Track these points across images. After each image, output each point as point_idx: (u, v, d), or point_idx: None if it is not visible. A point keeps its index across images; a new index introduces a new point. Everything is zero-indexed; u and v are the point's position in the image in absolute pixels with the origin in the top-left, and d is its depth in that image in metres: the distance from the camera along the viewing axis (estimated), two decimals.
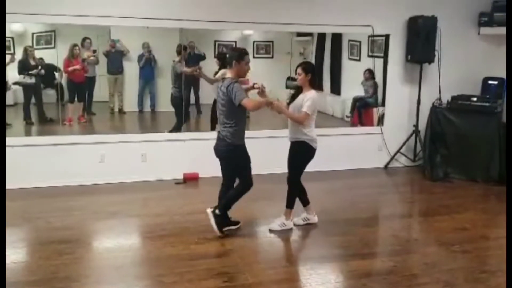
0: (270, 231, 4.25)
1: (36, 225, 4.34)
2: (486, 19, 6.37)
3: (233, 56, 4.02)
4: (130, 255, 3.78)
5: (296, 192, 4.27)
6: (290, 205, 4.27)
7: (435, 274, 3.49)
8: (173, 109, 6.45)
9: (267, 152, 5.48)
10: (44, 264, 3.55)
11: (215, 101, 6.57)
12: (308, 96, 4.05)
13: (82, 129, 6.54)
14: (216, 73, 6.65)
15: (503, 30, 6.06)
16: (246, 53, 4.09)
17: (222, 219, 4.10)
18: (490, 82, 6.31)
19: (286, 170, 4.27)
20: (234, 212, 4.31)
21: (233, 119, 3.96)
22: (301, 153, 4.17)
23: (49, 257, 3.66)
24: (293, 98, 4.24)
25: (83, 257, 3.70)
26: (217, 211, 4.07)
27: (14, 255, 3.66)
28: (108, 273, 3.50)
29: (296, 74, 4.16)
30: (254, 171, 5.91)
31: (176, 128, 6.27)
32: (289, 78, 6.84)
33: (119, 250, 3.85)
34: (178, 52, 6.38)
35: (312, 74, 4.11)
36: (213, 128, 6.31)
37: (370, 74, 6.72)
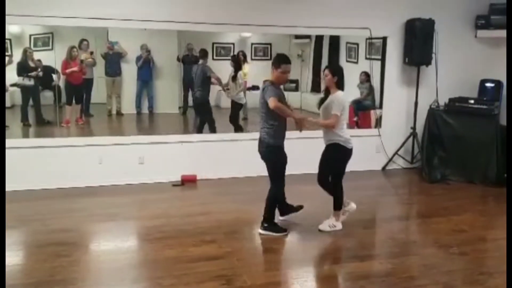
0: (320, 230, 4.27)
1: (33, 228, 4.32)
2: (483, 21, 6.38)
3: (272, 62, 4.10)
4: (128, 257, 3.77)
5: (340, 193, 4.31)
6: (337, 206, 4.32)
7: (433, 276, 3.49)
8: (169, 112, 6.48)
9: (259, 155, 5.49)
10: (41, 266, 3.53)
11: (233, 104, 6.66)
12: (334, 98, 4.12)
13: (79, 131, 6.53)
14: (234, 76, 6.70)
15: (500, 33, 6.08)
16: (285, 62, 4.05)
17: (273, 226, 4.19)
18: (487, 84, 6.32)
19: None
20: (233, 214, 4.30)
21: (270, 120, 4.02)
22: (336, 156, 4.21)
23: (46, 259, 3.64)
24: (322, 101, 4.29)
25: (80, 260, 3.68)
26: (264, 225, 4.17)
27: (11, 258, 3.64)
28: (105, 276, 3.48)
29: (323, 75, 4.23)
30: (254, 174, 5.93)
31: (212, 129, 6.37)
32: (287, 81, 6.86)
33: (117, 253, 3.84)
34: (202, 56, 6.48)
35: (338, 76, 4.16)
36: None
37: (366, 76, 6.74)
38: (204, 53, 6.52)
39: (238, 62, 6.83)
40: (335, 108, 4.07)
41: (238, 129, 6.59)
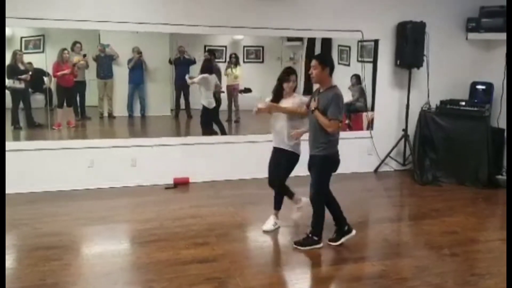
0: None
1: (23, 231, 4.28)
2: (473, 24, 6.44)
3: (324, 61, 3.82)
4: (119, 261, 3.74)
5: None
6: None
7: (425, 277, 3.51)
8: (161, 114, 6.47)
9: (252, 157, 5.50)
10: (32, 271, 3.50)
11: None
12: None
13: (71, 134, 6.48)
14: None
15: (490, 36, 6.16)
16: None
17: None
18: (478, 86, 6.37)
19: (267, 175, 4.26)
20: (226, 217, 4.30)
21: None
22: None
23: (36, 263, 3.61)
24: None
25: (71, 264, 3.65)
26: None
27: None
28: (96, 280, 3.45)
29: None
30: (247, 176, 5.92)
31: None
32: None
33: (108, 256, 3.82)
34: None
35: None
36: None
37: (357, 79, 6.76)
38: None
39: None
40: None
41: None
